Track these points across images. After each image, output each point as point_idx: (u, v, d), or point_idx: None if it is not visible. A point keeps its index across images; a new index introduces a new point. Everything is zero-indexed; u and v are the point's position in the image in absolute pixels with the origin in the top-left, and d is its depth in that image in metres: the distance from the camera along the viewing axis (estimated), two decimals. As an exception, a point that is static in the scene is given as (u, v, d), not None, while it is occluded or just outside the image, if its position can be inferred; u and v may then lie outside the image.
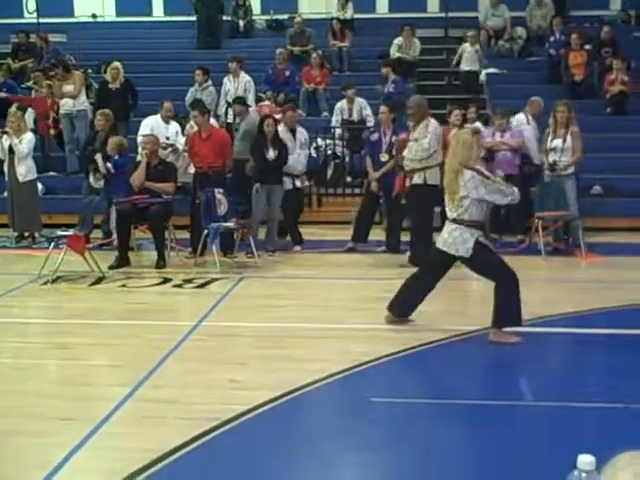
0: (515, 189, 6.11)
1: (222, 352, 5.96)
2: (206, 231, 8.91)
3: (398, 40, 14.75)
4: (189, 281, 8.37)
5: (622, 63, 13.11)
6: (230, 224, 9.03)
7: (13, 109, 11.50)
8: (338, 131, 12.44)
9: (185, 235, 9.71)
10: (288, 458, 4.14)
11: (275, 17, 17.16)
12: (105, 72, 13.20)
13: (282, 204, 9.85)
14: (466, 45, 14.39)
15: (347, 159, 12.53)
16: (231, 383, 5.21)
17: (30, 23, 16.57)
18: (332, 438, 4.48)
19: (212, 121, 10.27)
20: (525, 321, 6.09)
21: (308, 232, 10.33)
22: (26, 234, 10.68)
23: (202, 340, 6.27)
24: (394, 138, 9.58)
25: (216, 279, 8.39)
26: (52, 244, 8.67)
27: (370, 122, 12.11)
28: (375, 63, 14.03)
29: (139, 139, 10.35)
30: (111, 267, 8.83)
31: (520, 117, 10.47)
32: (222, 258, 9.01)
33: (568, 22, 15.25)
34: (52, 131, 12.53)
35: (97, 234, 10.14)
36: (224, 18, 16.67)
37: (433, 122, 8.76)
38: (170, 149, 10.45)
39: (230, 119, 11.69)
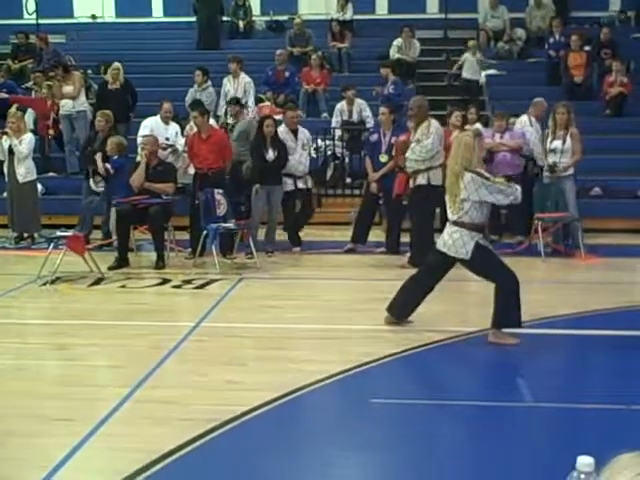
0: (517, 187, 6.10)
1: (221, 353, 5.96)
2: (205, 232, 8.91)
3: (397, 41, 14.75)
4: (188, 282, 8.37)
5: (621, 65, 13.12)
6: (229, 225, 9.03)
7: (13, 110, 11.50)
8: (338, 132, 12.44)
9: (185, 236, 9.72)
10: (288, 459, 4.14)
11: (275, 18, 17.15)
12: (105, 73, 13.20)
13: (284, 205, 9.86)
14: (467, 55, 14.32)
15: (347, 160, 12.53)
16: (230, 384, 5.22)
17: (30, 24, 16.55)
18: (332, 439, 4.48)
19: (212, 122, 10.27)
20: (524, 322, 6.09)
21: (308, 233, 10.33)
22: (25, 235, 10.67)
23: (201, 341, 6.27)
24: (394, 139, 9.59)
25: (215, 280, 8.39)
26: (51, 245, 8.67)
27: (370, 123, 12.11)
28: (374, 64, 14.02)
29: (139, 140, 10.35)
30: (110, 268, 8.83)
31: (523, 119, 10.46)
32: (221, 259, 9.01)
33: (568, 23, 15.25)
34: (51, 132, 12.52)
35: (97, 235, 10.14)
36: (224, 19, 16.68)
37: (434, 123, 8.77)
38: (170, 150, 10.46)
39: (230, 120, 11.70)
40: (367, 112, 12.33)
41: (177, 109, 11.35)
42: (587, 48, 14.00)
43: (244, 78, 12.51)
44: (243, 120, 10.70)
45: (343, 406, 5.07)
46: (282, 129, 10.02)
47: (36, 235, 10.58)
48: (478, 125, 10.53)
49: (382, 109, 9.89)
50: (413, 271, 6.81)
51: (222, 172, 9.55)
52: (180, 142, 10.57)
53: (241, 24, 16.69)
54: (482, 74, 14.27)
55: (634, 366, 5.53)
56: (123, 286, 8.22)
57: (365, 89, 13.02)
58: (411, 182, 8.81)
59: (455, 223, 6.00)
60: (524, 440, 4.40)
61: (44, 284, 8.22)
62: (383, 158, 9.68)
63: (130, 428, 4.50)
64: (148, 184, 9.13)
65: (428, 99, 9.43)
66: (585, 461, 1.65)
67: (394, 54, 14.64)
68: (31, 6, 16.92)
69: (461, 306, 7.37)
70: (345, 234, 10.05)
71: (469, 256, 5.94)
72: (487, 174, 6.11)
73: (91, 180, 10.13)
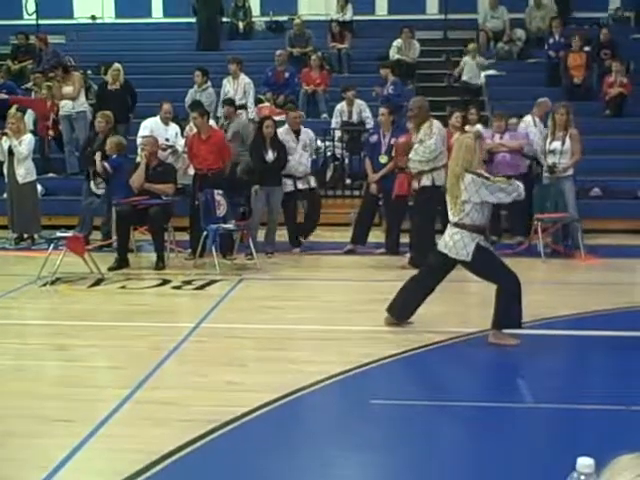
0: (518, 183, 6.10)
1: (221, 354, 5.96)
2: (205, 233, 8.91)
3: (397, 42, 14.75)
4: (188, 282, 8.37)
5: (621, 65, 13.13)
6: (229, 226, 9.03)
7: (13, 110, 11.49)
8: (337, 133, 12.44)
9: (184, 236, 9.72)
10: (288, 460, 4.14)
11: (274, 19, 17.14)
12: (105, 74, 13.20)
13: (284, 206, 9.86)
14: (467, 58, 14.22)
15: (346, 161, 12.53)
16: (231, 385, 5.22)
17: (29, 24, 16.54)
18: (332, 440, 4.48)
19: (211, 123, 10.27)
20: (525, 323, 6.09)
21: (307, 234, 10.34)
22: (25, 235, 10.67)
23: (201, 342, 6.27)
24: (393, 140, 9.59)
25: (215, 281, 8.39)
26: (51, 245, 8.66)
27: (369, 124, 12.11)
28: (374, 65, 14.02)
29: (138, 140, 10.36)
30: (110, 268, 8.83)
31: (527, 119, 10.46)
32: (221, 260, 9.01)
33: (569, 24, 15.26)
34: (51, 132, 12.52)
35: (97, 236, 10.14)
36: (223, 20, 16.68)
37: (436, 123, 8.77)
38: (169, 150, 10.46)
39: (222, 120, 11.72)
40: (367, 113, 12.33)
41: (177, 110, 11.35)
42: (587, 49, 14.01)
43: (244, 79, 12.51)
44: (237, 121, 10.68)
45: (343, 407, 5.07)
46: (283, 129, 10.02)
47: (36, 236, 10.58)
48: (479, 126, 10.52)
49: (382, 110, 9.89)
50: (413, 272, 6.81)
51: (222, 173, 9.55)
52: (180, 143, 10.57)
53: (241, 25, 16.68)
54: (482, 74, 14.25)
55: (634, 367, 5.53)
56: (123, 287, 8.22)
57: (365, 90, 13.02)
58: (415, 183, 8.80)
59: (456, 225, 6.00)
60: (524, 441, 4.40)
61: (44, 285, 8.22)
62: (383, 159, 9.68)
63: (130, 429, 4.50)
64: (148, 185, 9.13)
65: (428, 100, 9.43)
66: (585, 462, 1.64)
67: (394, 55, 14.64)
68: (31, 7, 16.92)
69: (461, 307, 7.36)
70: (345, 235, 10.05)
71: (470, 257, 5.94)
72: (487, 174, 6.11)
73: (92, 182, 10.12)
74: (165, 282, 8.40)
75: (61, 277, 8.41)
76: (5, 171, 10.55)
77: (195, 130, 9.73)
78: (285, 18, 16.84)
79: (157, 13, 18.52)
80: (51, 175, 12.38)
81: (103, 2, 18.42)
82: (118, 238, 9.16)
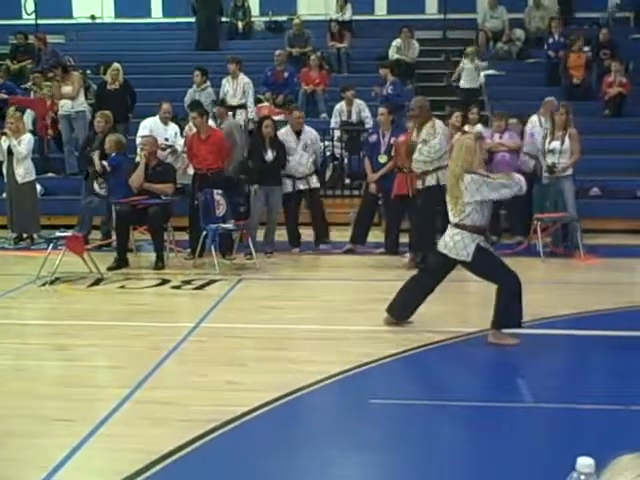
0: (519, 177, 6.10)
1: (221, 354, 5.96)
2: (205, 232, 8.91)
3: (396, 42, 14.74)
4: (188, 282, 8.37)
5: (620, 65, 13.13)
6: (229, 225, 9.03)
7: (12, 110, 11.49)
8: (337, 133, 12.44)
9: (184, 236, 9.72)
10: (288, 460, 4.15)
11: (274, 18, 17.15)
12: (104, 73, 13.19)
13: (285, 206, 9.85)
14: (465, 62, 14.06)
15: (346, 161, 12.53)
16: (230, 385, 5.22)
17: (29, 24, 16.54)
18: (331, 440, 4.49)
19: (210, 122, 10.27)
20: (524, 323, 6.09)
21: (307, 233, 10.32)
22: (25, 235, 10.67)
23: (201, 341, 6.27)
24: (393, 140, 9.59)
25: (215, 280, 8.39)
26: (51, 245, 8.65)
27: (369, 124, 12.11)
28: (373, 65, 14.02)
29: (138, 140, 10.35)
30: (110, 268, 8.83)
31: (534, 119, 10.44)
32: (221, 259, 9.01)
33: (570, 24, 15.26)
34: (51, 132, 12.52)
35: (96, 235, 10.14)
36: (223, 19, 16.67)
37: (439, 122, 8.76)
38: (169, 150, 10.46)
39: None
40: (366, 113, 12.33)
41: (176, 110, 11.35)
42: (586, 49, 14.01)
43: (243, 79, 12.51)
44: (227, 121, 10.67)
45: (343, 406, 5.07)
46: (285, 130, 10.00)
47: (35, 236, 10.57)
48: (479, 127, 10.50)
49: (381, 110, 9.89)
50: (413, 272, 6.81)
51: (221, 173, 9.55)
52: (179, 142, 10.57)
53: (240, 25, 16.68)
54: (481, 74, 14.20)
55: (633, 366, 5.54)
56: (122, 287, 8.22)
57: (364, 89, 13.01)
58: (419, 183, 8.78)
59: (456, 225, 6.00)
60: (524, 441, 4.40)
61: (43, 285, 8.21)
62: (382, 159, 9.68)
63: (130, 429, 4.50)
64: (147, 184, 9.13)
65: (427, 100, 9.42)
66: (585, 462, 1.64)
67: (393, 54, 14.64)
68: (30, 6, 16.91)
69: (461, 307, 7.37)
70: (344, 235, 10.04)
71: (470, 258, 5.94)
72: (487, 173, 6.11)
73: (95, 182, 10.08)
74: (164, 282, 8.40)
75: (60, 277, 8.41)
76: (4, 171, 10.55)
77: (194, 130, 9.73)
78: (284, 18, 16.85)
79: (156, 13, 18.53)
80: (50, 175, 12.38)
81: (102, 2, 18.42)
82: (117, 238, 9.16)
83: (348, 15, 16.10)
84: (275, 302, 7.48)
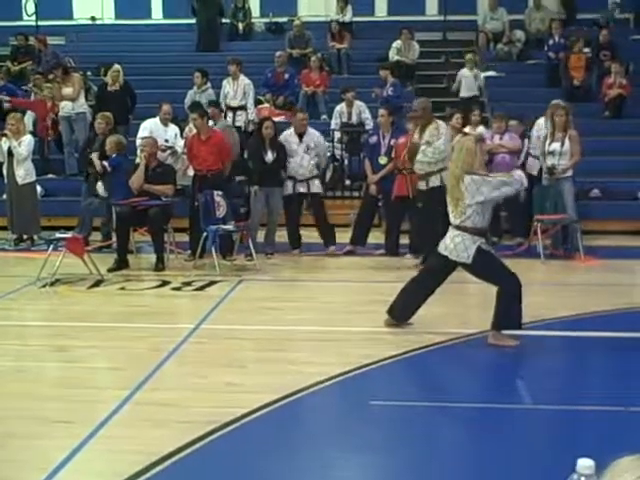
0: (519, 173, 6.10)
1: (221, 355, 5.96)
2: (205, 234, 8.91)
3: (397, 43, 14.76)
4: (188, 284, 8.37)
5: (620, 66, 13.14)
6: (229, 227, 9.03)
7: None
8: (337, 134, 12.44)
9: (184, 238, 9.72)
10: (288, 461, 4.15)
11: (274, 20, 17.15)
12: (104, 75, 13.20)
13: (285, 208, 9.84)
14: (464, 70, 13.92)
15: (346, 162, 12.53)
16: (230, 386, 5.22)
17: (29, 26, 16.54)
18: (331, 441, 4.48)
19: (210, 124, 10.27)
20: (524, 324, 6.09)
21: (307, 235, 10.32)
22: (25, 236, 10.67)
23: (201, 343, 6.27)
24: (393, 141, 9.59)
25: (215, 282, 8.39)
26: (51, 246, 8.65)
27: (369, 125, 12.11)
28: (374, 66, 14.02)
29: (138, 142, 10.35)
30: (110, 270, 8.82)
31: (540, 122, 10.42)
32: (221, 261, 9.00)
33: (569, 25, 15.26)
34: (51, 133, 12.52)
35: (96, 236, 10.14)
36: (223, 21, 16.68)
37: (442, 124, 8.76)
38: (169, 152, 10.45)
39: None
40: (366, 114, 12.33)
41: (176, 111, 11.35)
42: (587, 50, 14.02)
43: (243, 80, 12.52)
44: (221, 123, 10.67)
45: (343, 408, 5.07)
46: (288, 131, 9.98)
47: (35, 237, 10.56)
48: (481, 128, 10.49)
49: (381, 111, 9.89)
50: (414, 273, 6.81)
51: (221, 174, 9.55)
52: (179, 144, 10.57)
53: (240, 26, 16.69)
54: (481, 75, 14.16)
55: (633, 368, 5.54)
56: (122, 288, 8.22)
57: (364, 91, 13.02)
58: (423, 184, 8.77)
59: (457, 227, 5.99)
60: (524, 442, 4.40)
61: (43, 286, 8.21)
62: (382, 160, 9.68)
63: (130, 430, 4.50)
64: (147, 186, 9.13)
65: (427, 101, 9.42)
66: (585, 464, 1.65)
67: (393, 56, 14.65)
68: (30, 8, 16.91)
69: (461, 308, 7.36)
70: (344, 236, 10.04)
71: (470, 260, 5.94)
72: (486, 173, 6.11)
73: (98, 184, 10.04)
74: (165, 283, 8.40)
75: (60, 278, 8.40)
76: (5, 172, 10.55)
77: (195, 131, 9.73)
78: (285, 19, 16.85)
79: (157, 14, 18.53)
80: (50, 176, 12.39)
81: (103, 3, 18.43)
82: (118, 239, 9.16)
83: (348, 16, 16.11)
84: (275, 303, 7.48)
